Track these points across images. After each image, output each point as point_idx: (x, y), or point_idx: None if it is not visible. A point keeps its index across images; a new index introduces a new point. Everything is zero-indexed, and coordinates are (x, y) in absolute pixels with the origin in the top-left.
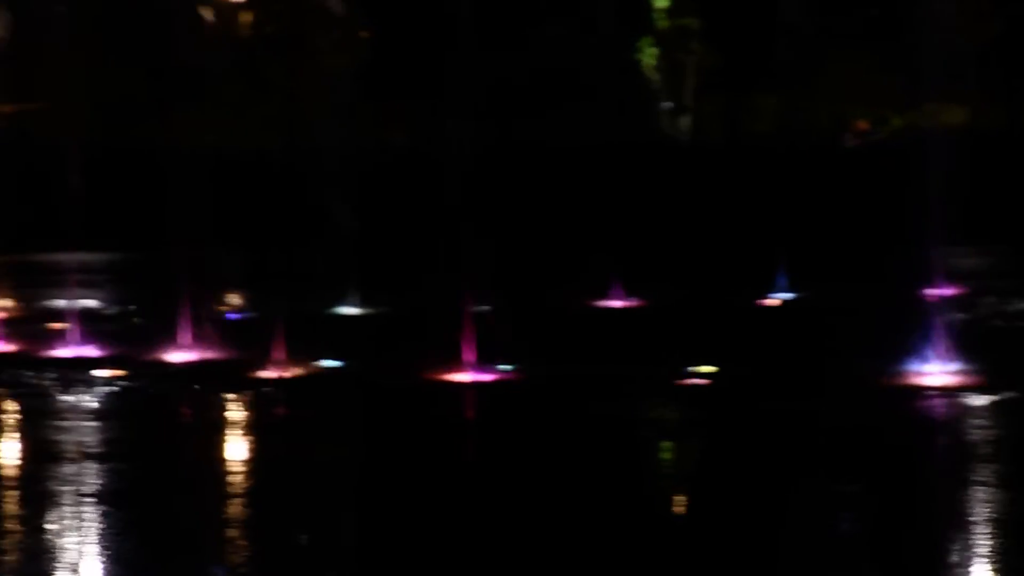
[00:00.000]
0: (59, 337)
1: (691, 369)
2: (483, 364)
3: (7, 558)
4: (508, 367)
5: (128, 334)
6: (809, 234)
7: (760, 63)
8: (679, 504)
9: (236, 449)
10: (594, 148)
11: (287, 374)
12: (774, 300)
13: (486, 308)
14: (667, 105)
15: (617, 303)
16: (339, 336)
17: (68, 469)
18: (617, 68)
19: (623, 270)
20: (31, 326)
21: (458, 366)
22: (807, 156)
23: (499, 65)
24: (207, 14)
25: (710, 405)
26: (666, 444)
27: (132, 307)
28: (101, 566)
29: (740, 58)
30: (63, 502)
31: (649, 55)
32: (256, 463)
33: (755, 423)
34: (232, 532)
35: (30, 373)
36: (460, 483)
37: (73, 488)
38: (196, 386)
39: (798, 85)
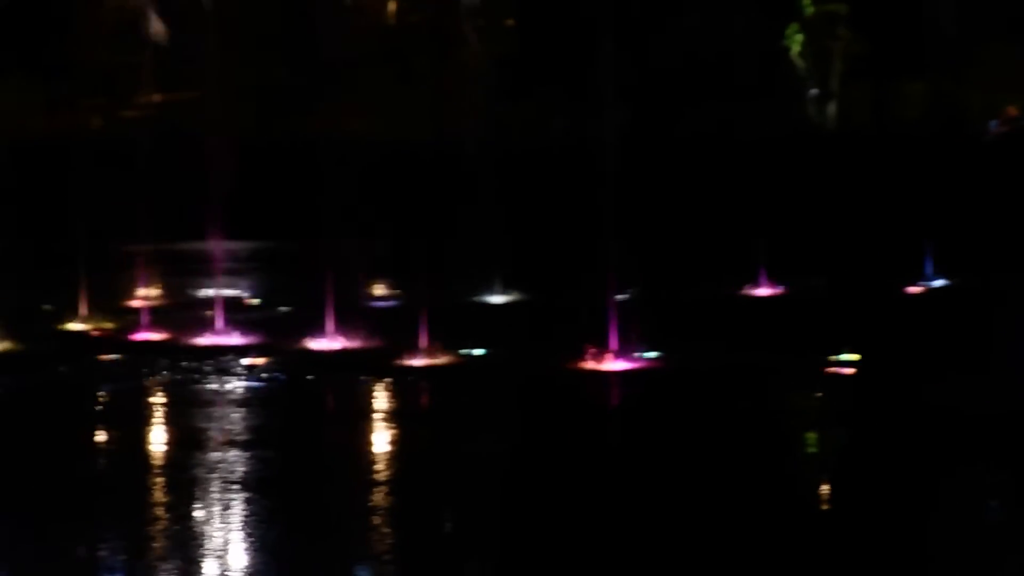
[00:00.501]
0: (206, 325)
1: (837, 358)
2: (628, 353)
3: (155, 545)
4: (653, 356)
5: (275, 322)
6: (957, 222)
7: (908, 48)
8: (824, 494)
9: (381, 437)
10: (740, 136)
11: (432, 362)
12: (921, 288)
13: (632, 297)
14: (814, 92)
15: (763, 292)
16: (484, 325)
17: (214, 456)
18: (763, 56)
19: (769, 258)
20: (179, 314)
21: (603, 355)
22: (955, 143)
23: (643, 54)
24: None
25: (856, 394)
26: (811, 434)
27: (278, 295)
28: (247, 553)
29: (888, 44)
30: (209, 489)
31: (795, 42)
32: (401, 451)
33: (901, 412)
34: (377, 520)
35: (177, 361)
36: (604, 473)
37: (219, 475)
38: (342, 374)
39: (947, 71)
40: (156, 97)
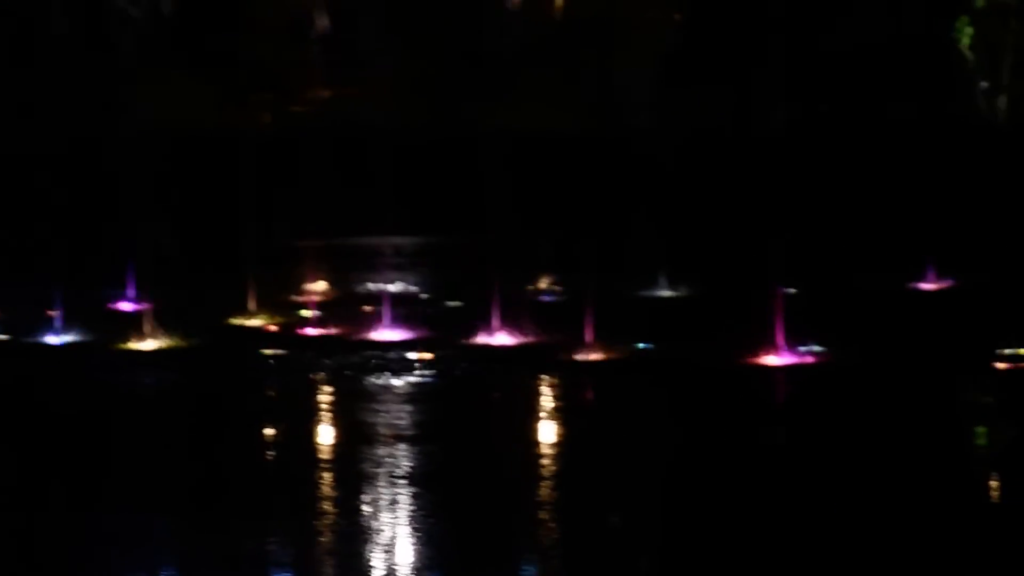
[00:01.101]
0: (373, 320)
1: (1006, 352)
2: (793, 347)
3: (323, 539)
4: (819, 349)
5: (441, 317)
6: None
7: None
8: (995, 490)
9: (547, 431)
10: (907, 128)
11: (598, 357)
12: None
13: (796, 291)
14: (983, 85)
15: (930, 285)
16: (650, 319)
17: (381, 451)
18: (931, 48)
19: (936, 252)
20: (346, 309)
21: (768, 349)
22: None
23: (812, 48)
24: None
25: None
26: (980, 428)
27: (446, 290)
28: (413, 547)
29: None
30: (376, 483)
31: (965, 35)
32: (566, 445)
33: None
34: (543, 514)
35: (345, 356)
36: (770, 468)
37: (386, 470)
38: (508, 369)
39: None
40: (324, 92)
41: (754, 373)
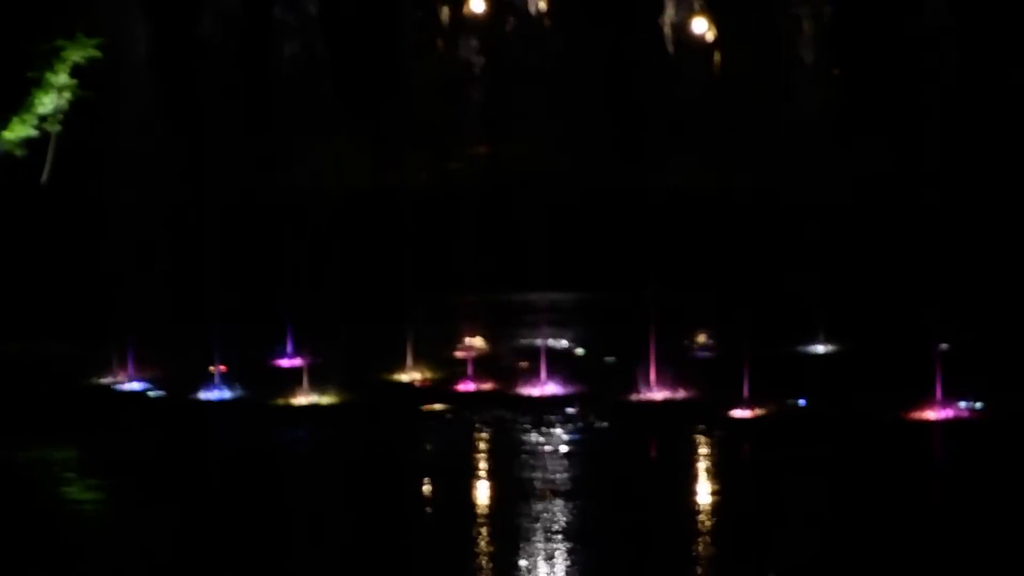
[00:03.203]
0: (530, 376)
1: None
2: (951, 402)
3: None
4: (978, 406)
5: (598, 373)
6: None
7: None
8: None
9: (703, 488)
10: None
11: (755, 413)
12: None
13: (953, 344)
14: None
15: None
16: (806, 375)
17: (537, 507)
18: None
19: None
20: (503, 365)
21: (926, 404)
22: None
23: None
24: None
25: None
26: None
27: (602, 346)
28: None
29: None
30: (533, 539)
31: None
32: (724, 503)
33: None
34: (700, 571)
35: (501, 411)
36: (935, 528)
37: (542, 526)
38: (664, 425)
39: None
40: (481, 148)
41: (914, 428)
